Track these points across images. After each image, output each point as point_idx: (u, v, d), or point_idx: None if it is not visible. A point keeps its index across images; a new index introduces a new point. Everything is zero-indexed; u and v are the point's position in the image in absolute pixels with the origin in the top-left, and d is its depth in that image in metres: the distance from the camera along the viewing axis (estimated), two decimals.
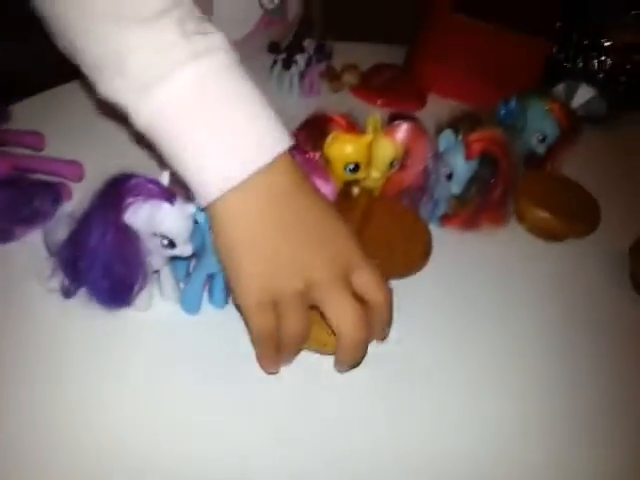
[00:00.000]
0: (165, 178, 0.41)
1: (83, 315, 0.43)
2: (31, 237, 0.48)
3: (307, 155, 0.48)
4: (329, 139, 0.50)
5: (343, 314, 0.40)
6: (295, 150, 0.44)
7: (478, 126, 0.54)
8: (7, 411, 0.38)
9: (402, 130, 0.53)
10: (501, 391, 0.47)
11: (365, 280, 0.42)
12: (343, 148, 0.50)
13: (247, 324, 0.42)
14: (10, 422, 0.38)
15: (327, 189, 0.47)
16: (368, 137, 0.50)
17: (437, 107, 0.61)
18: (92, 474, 0.36)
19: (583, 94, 0.78)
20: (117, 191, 0.39)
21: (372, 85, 0.81)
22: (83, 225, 0.41)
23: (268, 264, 0.40)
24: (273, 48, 0.75)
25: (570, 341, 0.52)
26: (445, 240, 0.57)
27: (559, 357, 0.51)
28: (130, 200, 0.39)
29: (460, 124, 0.55)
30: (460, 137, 0.54)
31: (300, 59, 0.72)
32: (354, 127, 0.51)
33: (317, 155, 0.49)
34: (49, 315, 0.44)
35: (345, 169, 0.51)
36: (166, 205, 0.39)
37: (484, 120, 0.56)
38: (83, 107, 0.63)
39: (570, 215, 0.62)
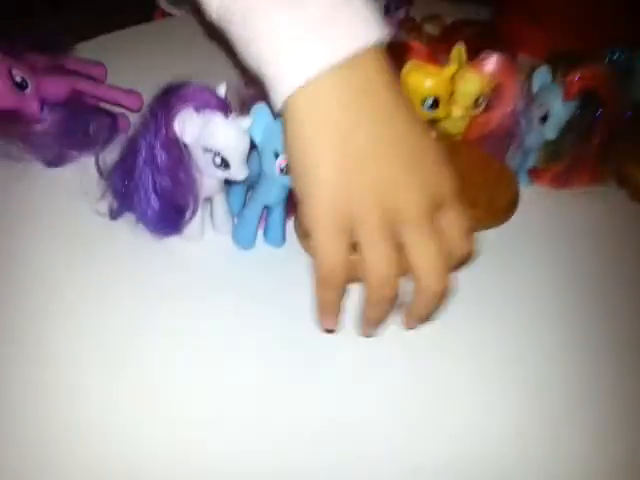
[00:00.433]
0: (222, 89, 0.37)
1: (129, 241, 0.40)
2: (84, 160, 0.45)
3: None
4: (406, 67, 0.44)
5: (428, 261, 0.32)
6: None
7: (579, 66, 0.47)
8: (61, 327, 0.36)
9: (491, 62, 0.46)
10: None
11: (452, 222, 0.34)
12: (422, 79, 0.45)
13: (313, 255, 0.33)
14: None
15: None
16: (451, 68, 0.45)
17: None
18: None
19: None
20: (167, 100, 0.36)
21: (454, 39, 0.74)
22: (133, 142, 0.38)
23: (350, 175, 0.31)
24: None
25: None
26: (531, 197, 0.51)
27: None
28: (180, 108, 0.35)
29: (560, 61, 0.48)
30: (558, 76, 0.47)
31: (381, 4, 0.66)
32: (436, 57, 0.45)
33: None
34: (96, 238, 0.41)
35: (423, 105, 0.45)
36: (220, 116, 0.35)
37: (587, 62, 0.49)
38: (149, 49, 0.61)
39: None
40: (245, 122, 0.35)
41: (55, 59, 0.47)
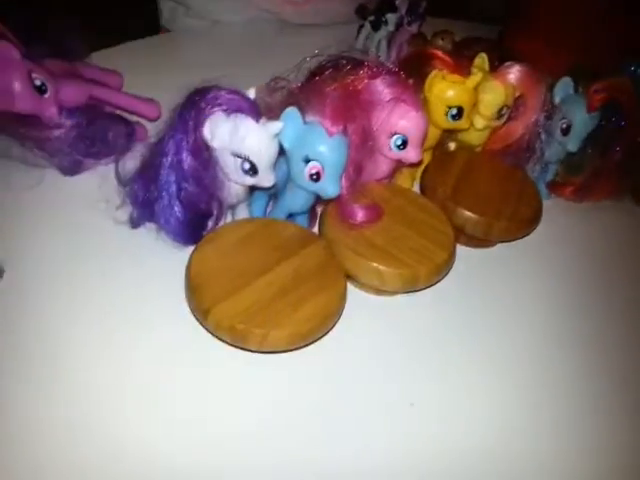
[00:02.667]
0: (252, 93, 0.36)
1: (151, 249, 0.39)
2: (101, 169, 0.44)
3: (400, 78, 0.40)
4: (431, 77, 0.44)
5: None
6: (383, 71, 0.38)
7: (601, 77, 0.47)
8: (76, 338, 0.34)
9: (514, 72, 0.46)
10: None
11: None
12: (446, 89, 0.44)
13: None
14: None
15: (415, 120, 0.40)
16: (475, 78, 0.44)
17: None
18: None
19: None
20: (196, 104, 0.35)
21: (465, 55, 0.74)
22: (158, 146, 0.37)
23: None
24: (360, 11, 0.70)
25: None
26: (551, 210, 0.50)
27: None
28: (209, 112, 0.34)
29: (582, 74, 0.48)
30: (580, 89, 0.47)
31: (391, 19, 0.66)
32: (461, 67, 0.45)
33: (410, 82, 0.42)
34: (115, 247, 0.40)
35: (447, 114, 0.45)
36: (250, 121, 0.34)
37: (609, 74, 0.49)
38: (166, 59, 0.60)
39: None
40: (275, 127, 0.35)
41: (73, 66, 0.46)
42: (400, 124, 0.40)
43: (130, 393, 0.33)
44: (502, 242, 0.47)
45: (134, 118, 0.49)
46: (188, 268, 0.35)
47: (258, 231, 0.38)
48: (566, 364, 0.40)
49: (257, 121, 0.35)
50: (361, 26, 0.70)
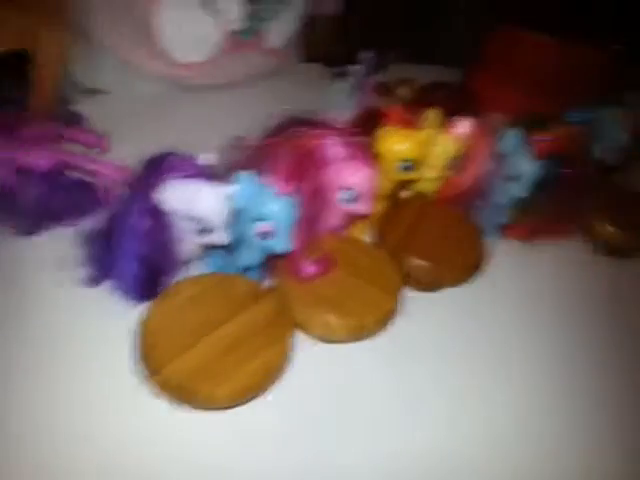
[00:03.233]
0: (207, 158, 0.38)
1: (107, 307, 0.40)
2: (60, 229, 0.45)
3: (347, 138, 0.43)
4: (382, 133, 0.46)
5: None
6: (334, 132, 0.40)
7: (546, 128, 0.49)
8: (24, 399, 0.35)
9: (463, 126, 0.48)
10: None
11: None
12: (397, 143, 0.46)
13: None
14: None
15: (363, 175, 0.42)
16: (425, 132, 0.46)
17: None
18: None
19: None
20: (152, 170, 0.37)
21: (428, 101, 0.77)
22: (117, 209, 0.39)
23: None
24: (328, 62, 0.73)
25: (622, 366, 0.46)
26: (504, 251, 0.52)
27: (611, 380, 0.45)
28: (164, 178, 0.36)
29: (528, 124, 0.50)
30: (528, 137, 0.49)
31: (354, 71, 0.69)
32: (410, 122, 0.47)
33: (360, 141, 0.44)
34: (70, 305, 0.41)
35: (398, 167, 0.47)
36: (204, 185, 0.36)
37: (553, 124, 0.51)
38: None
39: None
40: (229, 190, 0.36)
41: (52, 128, 0.47)
42: (350, 180, 0.42)
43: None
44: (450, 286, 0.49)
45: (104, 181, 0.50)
46: (140, 326, 0.36)
47: (212, 287, 0.40)
48: (517, 406, 0.41)
49: (210, 185, 0.36)
50: (330, 74, 0.73)
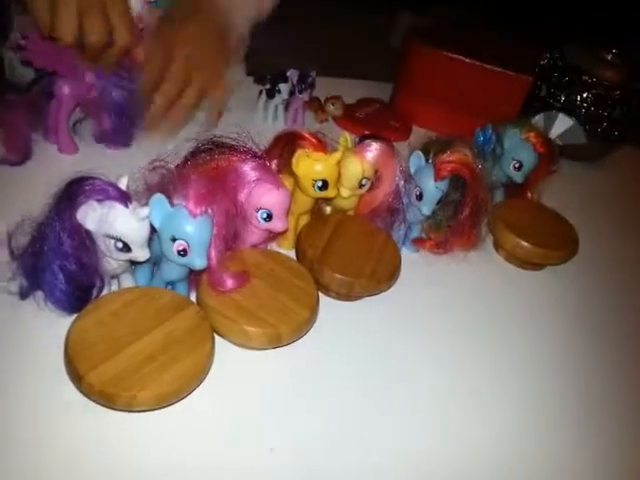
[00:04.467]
0: (124, 182, 0.41)
1: (37, 318, 0.43)
2: None
3: (262, 161, 0.47)
4: (297, 155, 0.50)
5: None
6: (251, 157, 0.44)
7: (449, 149, 0.55)
8: None
9: (372, 149, 0.53)
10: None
11: None
12: (311, 165, 0.50)
13: None
14: None
15: (275, 196, 0.47)
16: (337, 155, 0.51)
17: (421, 139, 0.63)
18: None
19: (561, 124, 0.79)
20: (72, 192, 0.40)
21: (357, 117, 0.82)
22: (41, 228, 0.41)
23: None
24: (258, 79, 0.77)
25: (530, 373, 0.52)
26: (417, 262, 0.58)
27: (513, 389, 0.50)
28: (83, 200, 0.39)
29: (431, 147, 0.55)
30: (431, 159, 0.54)
31: (283, 88, 0.73)
32: (323, 145, 0.51)
33: (273, 163, 0.49)
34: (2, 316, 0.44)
35: (313, 186, 0.51)
36: (120, 206, 0.39)
37: (458, 146, 0.56)
38: None
39: (547, 243, 0.61)
40: (142, 212, 0.40)
41: None
42: (263, 200, 0.46)
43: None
44: (364, 296, 0.53)
45: None
46: (67, 337, 0.39)
47: (137, 299, 0.43)
48: (426, 411, 0.46)
49: (126, 206, 0.40)
50: (260, 91, 0.76)
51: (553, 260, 0.62)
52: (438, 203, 0.55)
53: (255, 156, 0.46)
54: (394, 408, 0.45)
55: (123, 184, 0.41)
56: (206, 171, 0.44)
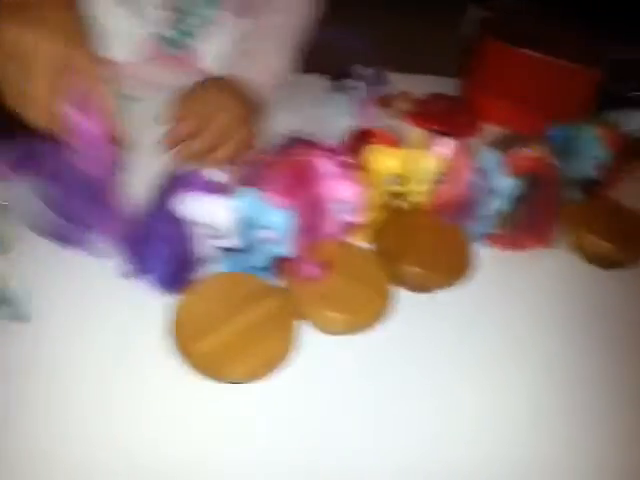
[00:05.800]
0: (218, 174, 0.45)
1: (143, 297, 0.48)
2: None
3: (338, 157, 0.50)
4: (371, 151, 0.52)
5: None
6: (330, 152, 0.47)
7: (524, 147, 0.55)
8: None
9: (444, 145, 0.54)
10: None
11: None
12: (384, 160, 0.53)
13: None
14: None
15: (352, 190, 0.49)
16: (410, 151, 0.53)
17: (492, 136, 0.63)
18: None
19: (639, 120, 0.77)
20: (173, 185, 0.44)
21: (427, 112, 0.83)
22: (146, 218, 0.46)
23: None
24: (330, 76, 0.79)
25: (601, 372, 0.52)
26: (490, 258, 0.59)
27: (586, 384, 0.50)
28: (184, 191, 0.43)
29: (505, 144, 0.56)
30: (504, 156, 0.55)
31: (354, 85, 0.75)
32: (397, 141, 0.53)
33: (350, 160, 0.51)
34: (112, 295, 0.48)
35: (387, 181, 0.53)
36: (215, 198, 0.43)
37: (532, 143, 0.57)
38: None
39: (626, 242, 0.60)
40: (235, 202, 0.43)
41: None
42: (342, 193, 0.49)
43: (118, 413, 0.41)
44: (438, 289, 0.55)
45: None
46: (172, 314, 0.44)
47: (229, 283, 0.47)
48: (505, 407, 0.47)
49: (221, 198, 0.43)
50: (333, 87, 0.79)
51: (631, 260, 0.61)
52: (511, 200, 0.56)
53: (333, 152, 0.49)
54: (467, 402, 0.47)
55: (218, 176, 0.44)
56: (290, 165, 0.47)
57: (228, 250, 0.47)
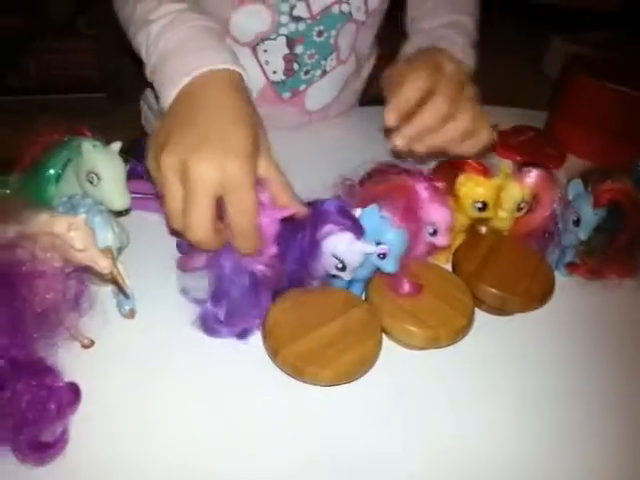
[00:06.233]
0: (357, 212, 0.49)
1: None
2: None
3: (430, 183, 0.52)
4: (461, 178, 0.56)
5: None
6: (421, 178, 0.51)
7: (608, 179, 0.57)
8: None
9: (531, 176, 0.57)
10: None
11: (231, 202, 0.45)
12: (474, 187, 0.56)
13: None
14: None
15: (443, 214, 0.52)
16: (498, 180, 0.56)
17: (577, 167, 0.64)
18: None
19: None
20: (322, 217, 0.48)
21: (513, 144, 0.86)
22: (288, 238, 0.49)
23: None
24: None
25: None
26: (570, 286, 0.60)
27: None
28: (328, 228, 0.48)
29: (591, 175, 0.58)
30: (590, 187, 0.57)
31: None
32: (487, 171, 0.56)
33: (440, 185, 0.53)
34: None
35: (474, 207, 0.56)
36: (353, 238, 0.47)
37: (617, 175, 0.58)
38: None
39: None
40: (369, 247, 0.47)
41: None
42: (433, 217, 0.52)
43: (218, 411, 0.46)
44: (516, 313, 0.57)
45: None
46: (266, 317, 0.49)
47: (320, 294, 0.51)
48: (577, 425, 0.48)
49: (357, 238, 0.48)
50: None
51: None
52: (595, 230, 0.57)
53: (424, 177, 0.53)
54: (543, 427, 0.48)
55: (356, 214, 0.49)
56: (397, 188, 0.51)
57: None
